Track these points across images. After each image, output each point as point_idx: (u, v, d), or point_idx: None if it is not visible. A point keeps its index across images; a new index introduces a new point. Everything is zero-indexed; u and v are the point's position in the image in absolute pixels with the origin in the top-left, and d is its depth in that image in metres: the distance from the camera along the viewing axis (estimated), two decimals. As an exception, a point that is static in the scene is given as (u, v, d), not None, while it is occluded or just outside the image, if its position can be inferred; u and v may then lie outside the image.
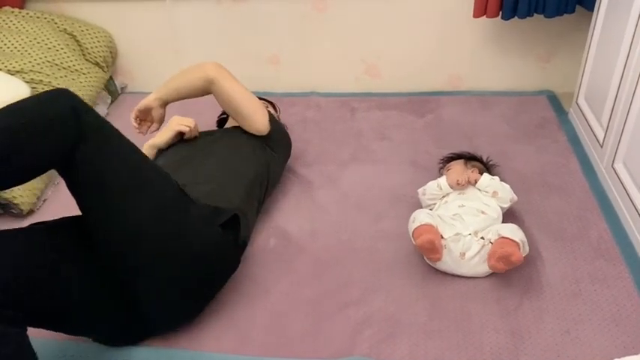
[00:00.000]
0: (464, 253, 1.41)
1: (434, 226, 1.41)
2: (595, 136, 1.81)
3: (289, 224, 1.66)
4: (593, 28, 1.87)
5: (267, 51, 2.39)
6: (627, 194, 1.55)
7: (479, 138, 2.02)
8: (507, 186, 1.58)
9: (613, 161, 1.66)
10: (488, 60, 2.29)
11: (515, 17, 1.96)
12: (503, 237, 1.37)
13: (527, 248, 1.41)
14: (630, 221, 1.53)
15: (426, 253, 1.41)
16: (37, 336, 1.10)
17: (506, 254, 1.33)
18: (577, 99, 2.01)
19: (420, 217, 1.44)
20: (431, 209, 1.60)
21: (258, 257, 1.55)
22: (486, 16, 1.99)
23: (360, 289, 1.43)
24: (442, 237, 1.41)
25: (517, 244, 1.36)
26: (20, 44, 2.15)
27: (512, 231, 1.39)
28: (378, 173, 1.87)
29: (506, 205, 1.56)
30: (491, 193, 1.56)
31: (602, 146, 1.75)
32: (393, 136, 2.08)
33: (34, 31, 2.19)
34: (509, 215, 1.59)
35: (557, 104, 2.21)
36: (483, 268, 1.41)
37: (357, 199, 1.75)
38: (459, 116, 2.18)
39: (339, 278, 1.47)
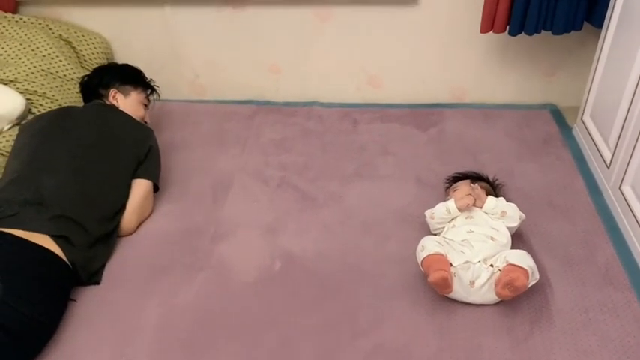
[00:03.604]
0: (473, 282, 1.39)
1: (443, 255, 1.39)
2: (601, 156, 1.80)
3: (294, 245, 1.64)
4: (602, 45, 1.85)
5: (268, 60, 2.35)
6: (635, 219, 1.55)
7: (483, 154, 2.01)
8: (514, 205, 1.57)
9: (620, 184, 1.65)
10: (492, 72, 2.27)
11: (522, 33, 1.94)
12: (510, 264, 1.36)
13: (536, 275, 1.40)
14: (638, 246, 1.52)
15: (438, 289, 1.39)
16: None
17: (510, 280, 1.32)
18: (582, 116, 2.00)
19: (429, 246, 1.42)
20: (438, 233, 1.58)
21: (264, 281, 1.53)
22: (493, 32, 1.96)
23: (368, 317, 1.41)
24: (451, 264, 1.40)
25: (525, 270, 1.34)
26: (14, 51, 2.08)
27: (520, 257, 1.38)
28: (382, 191, 1.85)
29: (515, 225, 1.55)
30: (500, 214, 1.54)
31: (608, 167, 1.74)
32: (396, 151, 2.05)
33: (28, 38, 2.13)
34: (516, 238, 1.58)
35: (560, 119, 2.20)
36: (493, 296, 1.40)
37: (363, 219, 1.72)
38: (463, 130, 2.15)
39: (347, 305, 1.44)
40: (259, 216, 1.76)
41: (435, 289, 1.40)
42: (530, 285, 1.37)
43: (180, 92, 2.43)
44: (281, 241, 1.66)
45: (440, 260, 1.37)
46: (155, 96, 2.03)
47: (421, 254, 1.42)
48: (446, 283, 1.34)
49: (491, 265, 1.39)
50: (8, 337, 1.22)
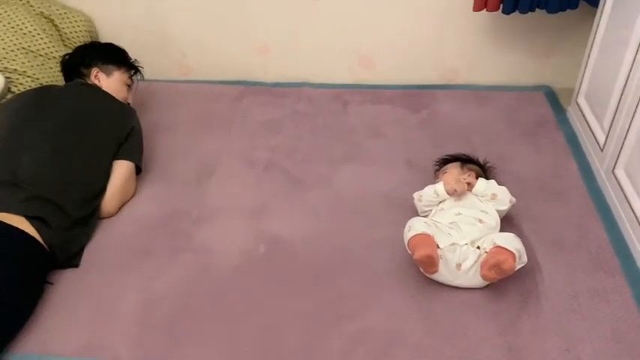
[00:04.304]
0: (460, 264, 1.36)
1: (430, 236, 1.36)
2: (595, 138, 1.76)
3: (280, 229, 1.60)
4: (597, 25, 1.80)
5: (257, 39, 2.29)
6: (628, 203, 1.51)
7: (475, 136, 1.96)
8: (504, 188, 1.54)
9: (614, 167, 1.61)
10: (485, 53, 2.22)
11: (517, 12, 1.89)
12: (497, 246, 1.32)
13: (524, 258, 1.36)
14: (630, 231, 1.49)
15: (423, 268, 1.36)
16: None
17: (497, 262, 1.28)
18: (577, 98, 1.96)
19: (416, 226, 1.39)
20: (426, 215, 1.55)
21: (247, 265, 1.49)
22: (486, 10, 1.91)
23: (354, 301, 1.37)
24: (438, 247, 1.36)
25: (512, 253, 1.31)
26: (-7, 28, 2.02)
27: (508, 240, 1.35)
28: (371, 174, 1.80)
29: (505, 208, 1.51)
30: (490, 196, 1.51)
31: (602, 150, 1.70)
32: (387, 133, 2.00)
33: (8, 15, 2.06)
34: (506, 222, 1.54)
35: (554, 101, 2.15)
36: (480, 279, 1.36)
37: (351, 202, 1.68)
38: (455, 112, 2.11)
39: (332, 289, 1.41)
40: (244, 199, 1.72)
41: (420, 267, 1.37)
42: (517, 268, 1.33)
43: (167, 72, 2.38)
44: (266, 224, 1.62)
45: (426, 240, 1.34)
46: (139, 77, 1.97)
47: (408, 234, 1.38)
48: (431, 262, 1.31)
49: (478, 248, 1.35)
50: None
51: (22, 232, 1.36)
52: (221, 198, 1.72)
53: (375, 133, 2.01)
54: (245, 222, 1.63)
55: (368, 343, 1.28)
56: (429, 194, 1.53)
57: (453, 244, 1.36)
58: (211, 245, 1.55)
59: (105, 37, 2.29)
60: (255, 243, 1.55)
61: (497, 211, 1.50)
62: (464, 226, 1.41)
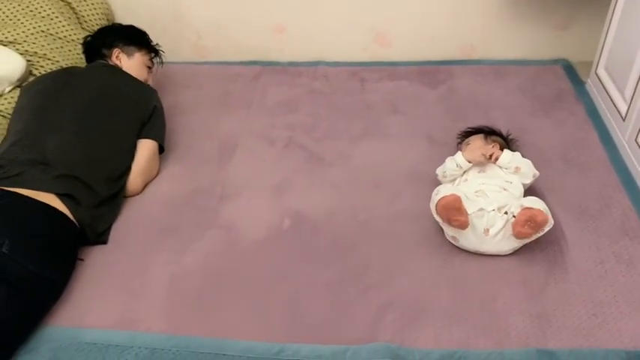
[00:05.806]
0: (488, 230, 1.36)
1: (459, 197, 1.36)
2: (617, 108, 1.75)
3: (303, 204, 1.61)
4: (618, -6, 1.78)
5: (272, 19, 2.29)
6: (652, 170, 1.51)
7: (494, 111, 1.96)
8: (529, 161, 1.53)
9: (637, 135, 1.60)
10: (502, 28, 2.21)
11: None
12: (526, 207, 1.33)
13: (551, 220, 1.36)
14: (655, 198, 1.49)
15: (451, 215, 1.34)
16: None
17: (531, 216, 1.29)
18: (596, 69, 1.94)
19: (443, 190, 1.39)
20: (451, 186, 1.55)
21: (273, 239, 1.50)
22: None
23: (380, 272, 1.39)
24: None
25: (541, 210, 1.31)
26: (12, 12, 2.03)
27: (535, 201, 1.36)
28: (392, 149, 1.81)
29: (528, 181, 1.51)
30: (514, 169, 1.50)
31: (624, 119, 1.69)
32: (405, 109, 2.00)
33: (27, -1, 2.07)
34: (530, 193, 1.54)
35: (573, 74, 2.14)
36: (507, 245, 1.38)
37: (372, 177, 1.69)
38: (473, 87, 2.10)
39: (358, 260, 1.42)
40: (266, 176, 1.73)
41: (448, 217, 1.35)
42: (545, 230, 1.33)
43: (183, 54, 2.38)
44: (289, 200, 1.63)
45: (455, 200, 1.34)
46: (158, 61, 1.98)
47: (436, 198, 1.38)
48: (456, 207, 1.31)
49: (506, 213, 1.36)
50: (15, 293, 1.21)
51: (53, 208, 1.38)
52: (244, 175, 1.74)
53: (393, 110, 2.01)
54: (268, 198, 1.64)
55: (395, 311, 1.29)
56: (451, 168, 1.54)
57: (481, 209, 1.37)
58: (236, 221, 1.57)
59: (121, 20, 2.30)
60: (280, 218, 1.56)
61: (521, 184, 1.50)
62: (490, 193, 1.41)
